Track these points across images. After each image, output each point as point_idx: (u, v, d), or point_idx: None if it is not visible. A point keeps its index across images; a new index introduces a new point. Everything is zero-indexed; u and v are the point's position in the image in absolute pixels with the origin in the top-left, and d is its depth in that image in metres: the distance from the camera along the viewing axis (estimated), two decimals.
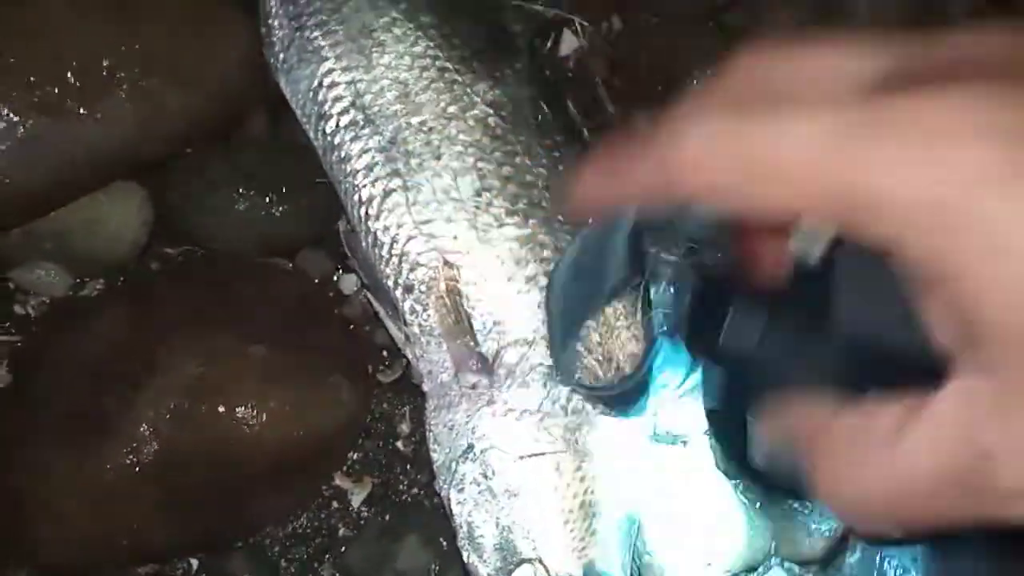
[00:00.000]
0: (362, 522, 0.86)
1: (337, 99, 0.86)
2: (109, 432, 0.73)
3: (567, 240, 0.80)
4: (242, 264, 0.86)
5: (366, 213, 0.83)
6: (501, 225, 0.81)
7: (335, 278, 0.92)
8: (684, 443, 0.80)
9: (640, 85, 1.02)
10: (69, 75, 0.78)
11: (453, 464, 0.76)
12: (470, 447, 0.76)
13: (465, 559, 0.75)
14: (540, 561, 0.73)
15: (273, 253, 0.91)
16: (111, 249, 0.88)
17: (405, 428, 0.89)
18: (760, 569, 0.90)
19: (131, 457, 0.72)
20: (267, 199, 0.88)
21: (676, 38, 1.03)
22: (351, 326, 0.89)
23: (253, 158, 0.89)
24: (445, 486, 0.77)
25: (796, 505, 0.89)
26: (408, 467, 0.88)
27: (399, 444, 0.89)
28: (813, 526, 0.88)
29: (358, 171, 0.84)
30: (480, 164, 0.83)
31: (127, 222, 0.88)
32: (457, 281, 0.79)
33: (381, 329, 0.87)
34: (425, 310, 0.80)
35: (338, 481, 0.87)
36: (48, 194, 0.82)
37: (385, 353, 0.89)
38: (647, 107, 0.97)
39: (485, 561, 0.74)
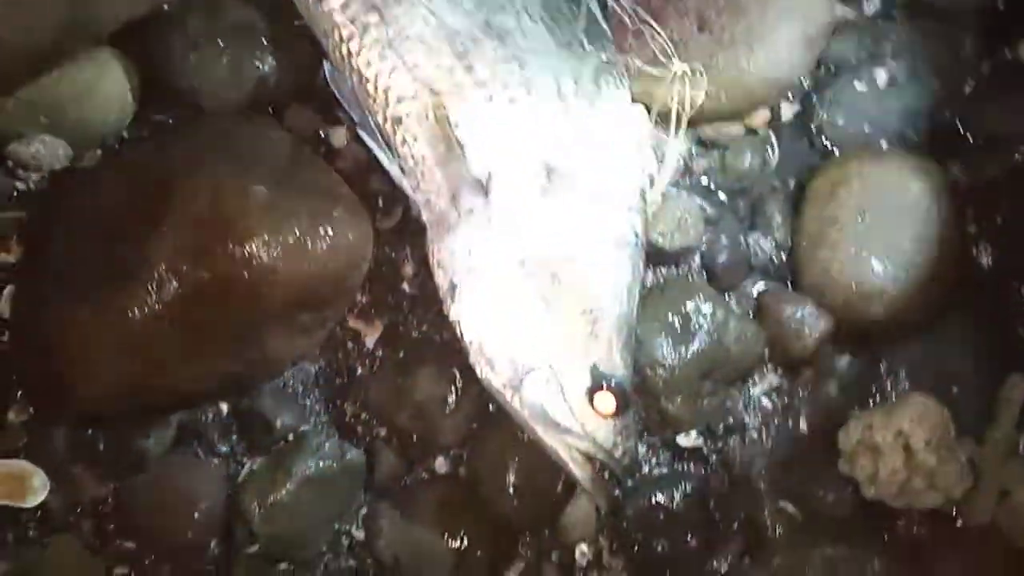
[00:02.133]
0: (378, 361, 0.91)
1: None
2: (128, 277, 0.75)
3: (549, 56, 0.82)
4: (234, 121, 0.87)
5: (347, 51, 0.84)
6: (481, 47, 0.81)
7: (324, 134, 0.93)
8: None
9: None
10: None
11: (458, 285, 0.79)
12: (472, 267, 0.79)
13: (479, 374, 0.79)
14: (549, 367, 0.77)
15: (261, 110, 0.92)
16: (103, 118, 0.89)
17: (409, 270, 0.92)
18: (755, 377, 0.96)
19: (151, 298, 0.75)
20: (250, 53, 0.89)
21: None
22: (345, 178, 0.91)
23: (232, 13, 0.89)
24: (453, 308, 0.79)
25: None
26: (416, 306, 0.91)
27: (405, 285, 0.92)
28: (805, 327, 0.93)
29: (334, 9, 0.84)
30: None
31: (115, 89, 0.89)
32: (444, 108, 0.80)
33: (375, 177, 0.89)
34: (416, 140, 0.81)
35: (351, 323, 0.91)
36: (35, 55, 0.81)
37: (381, 201, 0.92)
38: None
39: (497, 373, 0.77)
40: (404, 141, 0.81)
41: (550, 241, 0.79)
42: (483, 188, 0.79)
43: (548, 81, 0.82)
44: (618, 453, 0.76)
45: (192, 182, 0.77)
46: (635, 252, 0.82)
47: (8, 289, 0.86)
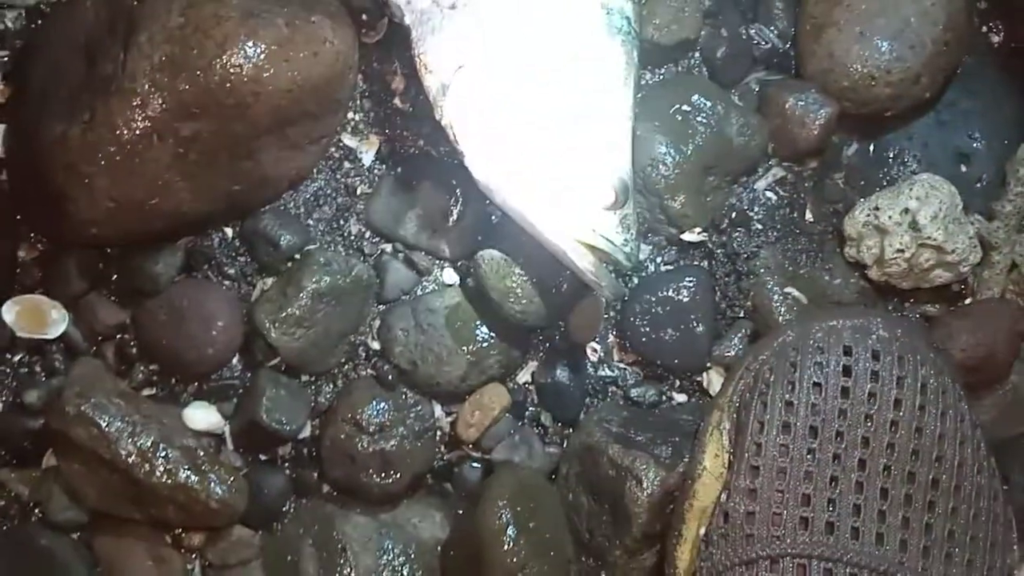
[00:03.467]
0: (376, 178, 0.91)
1: None
2: (111, 92, 0.74)
3: None
4: None
5: None
6: None
7: None
8: None
9: None
10: None
11: (448, 85, 0.77)
12: (461, 64, 0.77)
13: (476, 176, 0.78)
14: (548, 162, 0.76)
15: None
16: None
17: (400, 84, 0.90)
18: (759, 171, 0.95)
19: (138, 112, 0.74)
20: None
21: None
22: None
23: None
24: (445, 111, 0.78)
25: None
26: (410, 121, 0.90)
27: (397, 101, 0.90)
28: (810, 115, 0.91)
29: None
30: None
31: None
32: None
33: None
34: None
35: (345, 140, 0.90)
36: None
37: (364, 16, 0.89)
38: None
39: (493, 172, 0.76)
40: None
41: (538, 32, 0.77)
42: None
43: None
44: (619, 242, 0.77)
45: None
46: (628, 40, 0.79)
47: (1, 128, 0.86)
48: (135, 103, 0.74)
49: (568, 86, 0.77)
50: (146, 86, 0.74)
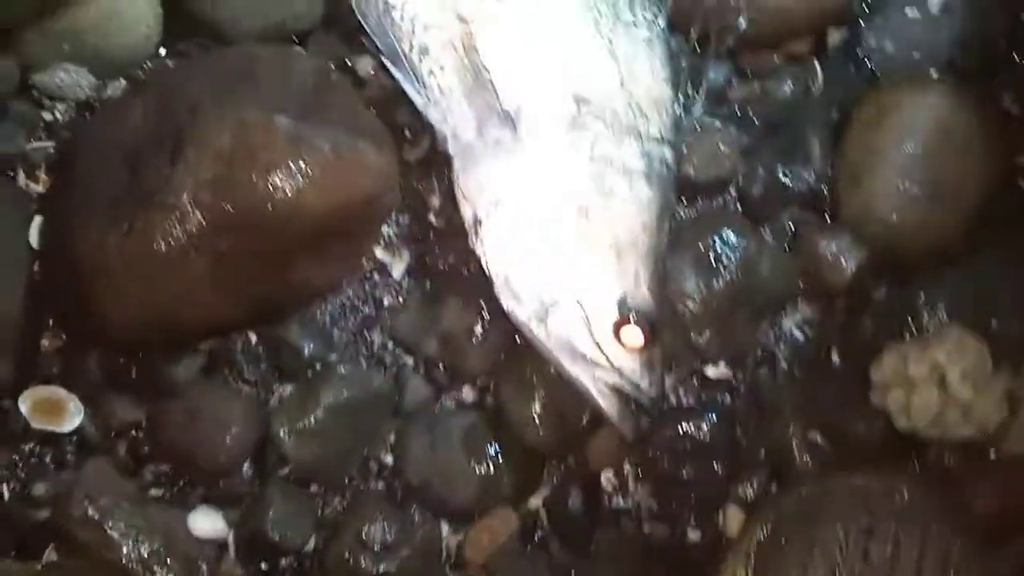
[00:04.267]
0: (405, 291, 0.91)
1: None
2: (153, 205, 0.75)
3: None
4: (258, 50, 0.85)
5: None
6: None
7: (350, 63, 0.92)
8: None
9: None
10: None
11: (484, 218, 0.78)
12: (499, 200, 0.78)
13: (505, 307, 0.79)
14: (576, 300, 0.76)
15: (285, 39, 0.90)
16: (126, 46, 0.88)
17: (436, 202, 0.91)
18: (787, 309, 0.94)
19: (176, 226, 0.75)
20: None
21: None
22: (371, 108, 0.89)
23: None
24: (479, 240, 0.79)
25: None
26: (443, 238, 0.90)
27: (431, 217, 0.91)
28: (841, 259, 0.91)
29: None
30: None
31: (138, 16, 0.88)
32: (472, 38, 0.78)
33: (402, 108, 0.87)
34: (443, 71, 0.80)
35: (378, 254, 0.90)
36: None
37: (408, 132, 0.90)
38: None
39: (524, 305, 0.77)
40: (431, 71, 0.80)
41: (578, 173, 0.78)
42: (511, 120, 0.78)
43: (582, 9, 0.80)
44: (644, 385, 0.76)
45: (216, 112, 0.76)
46: (666, 184, 0.80)
47: (37, 219, 0.86)
48: (176, 218, 0.75)
49: (602, 226, 0.78)
50: (189, 202, 0.75)
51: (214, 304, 0.79)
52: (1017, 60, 0.94)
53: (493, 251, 0.78)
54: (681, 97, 0.85)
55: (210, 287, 0.78)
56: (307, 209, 0.77)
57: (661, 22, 0.84)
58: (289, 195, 0.75)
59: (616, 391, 0.76)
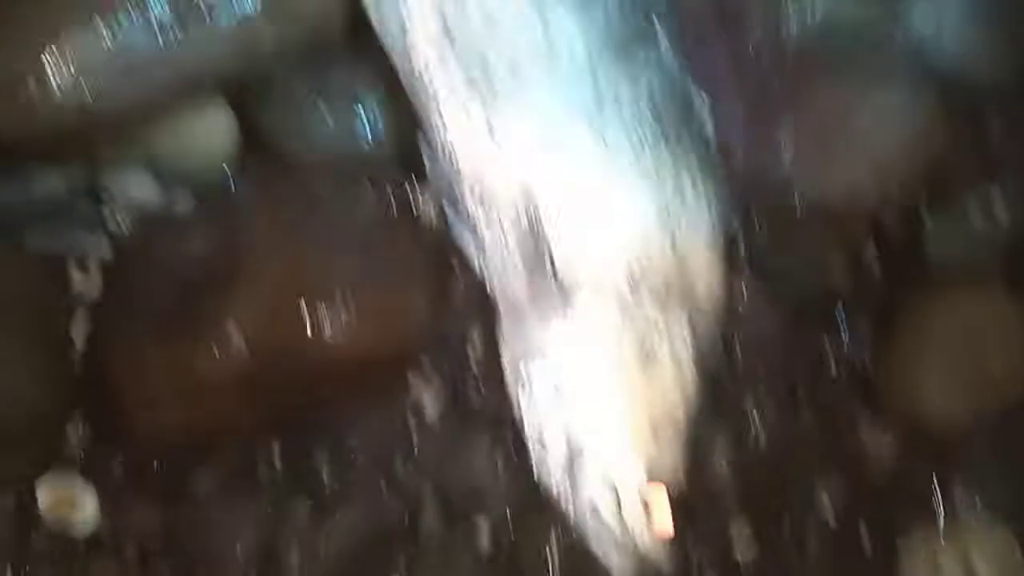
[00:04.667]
0: (433, 422, 0.90)
1: (424, 20, 0.85)
2: (199, 332, 0.77)
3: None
4: (326, 183, 0.88)
5: (448, 138, 0.84)
6: (585, 162, 0.81)
7: (412, 198, 0.93)
8: None
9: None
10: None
11: (526, 378, 0.79)
12: (543, 367, 0.79)
13: (533, 457, 0.79)
14: (606, 467, 0.76)
15: (354, 173, 0.90)
16: (200, 163, 0.91)
17: (476, 337, 0.91)
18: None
19: (219, 354, 0.77)
20: (351, 118, 0.90)
21: None
22: (428, 234, 0.90)
23: (337, 77, 0.90)
24: (517, 392, 0.80)
25: None
26: (479, 375, 0.90)
27: (470, 352, 0.91)
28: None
29: (441, 96, 0.84)
30: (564, 101, 0.83)
31: (216, 138, 0.90)
32: (538, 210, 0.80)
33: (456, 249, 0.88)
34: (505, 236, 0.81)
35: (412, 385, 0.90)
36: (145, 112, 0.85)
37: (457, 262, 0.91)
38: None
39: (552, 457, 0.77)
40: (493, 235, 0.82)
41: (623, 336, 0.78)
42: (565, 296, 0.79)
43: (643, 180, 0.82)
44: (662, 561, 0.75)
45: (275, 244, 0.79)
46: (708, 354, 0.80)
47: (81, 313, 0.88)
48: (219, 349, 0.77)
49: (641, 391, 0.77)
50: (234, 336, 0.77)
51: (245, 424, 0.81)
52: None
53: (529, 399, 0.79)
54: (728, 270, 0.86)
55: (244, 411, 0.79)
56: (351, 353, 0.79)
57: (718, 199, 0.85)
58: (335, 339, 0.78)
59: (636, 564, 0.75)
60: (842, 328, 0.94)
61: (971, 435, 0.90)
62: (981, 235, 0.95)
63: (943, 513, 0.91)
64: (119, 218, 0.92)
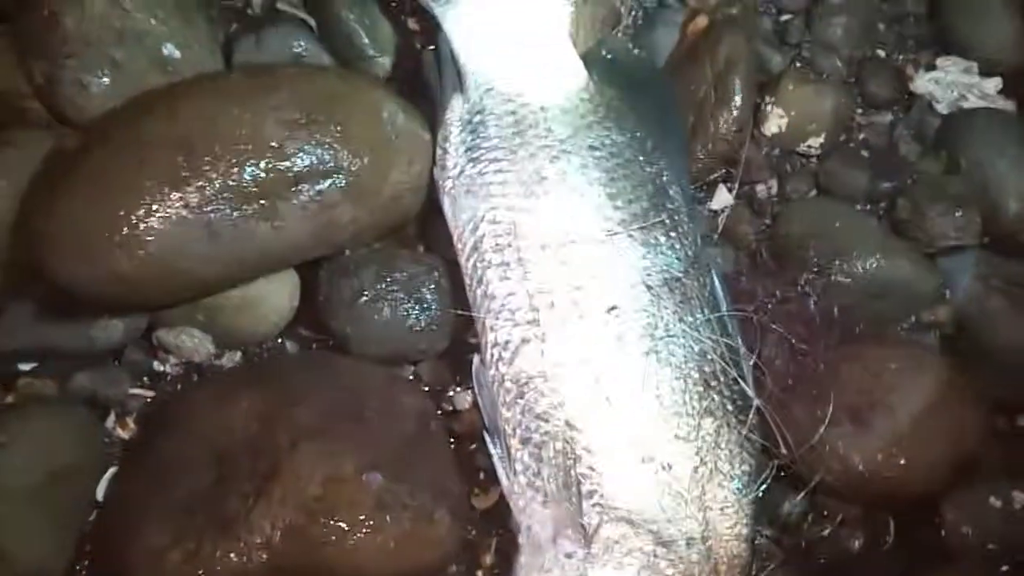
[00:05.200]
0: None
1: (495, 236, 0.87)
2: (225, 535, 0.76)
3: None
4: (370, 375, 0.89)
5: (500, 355, 0.85)
6: (630, 401, 0.82)
7: (451, 393, 0.94)
8: None
9: (786, 258, 1.01)
10: (255, 180, 0.82)
11: None
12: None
13: None
14: None
15: (399, 359, 0.94)
16: (255, 326, 0.93)
17: (488, 560, 0.90)
18: None
19: (243, 561, 0.75)
20: (408, 313, 0.91)
21: (830, 217, 1.02)
22: (456, 442, 0.91)
23: (402, 270, 0.92)
24: None
25: None
26: None
27: (479, 574, 0.90)
28: None
29: (500, 311, 0.85)
30: (622, 332, 0.84)
31: (278, 306, 0.92)
32: (574, 446, 0.80)
33: (483, 451, 0.88)
34: (538, 465, 0.81)
35: None
36: (218, 284, 0.87)
37: (482, 476, 0.91)
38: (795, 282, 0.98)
39: None
40: (525, 463, 0.82)
41: None
42: (586, 537, 0.79)
43: (684, 453, 0.81)
44: None
45: (314, 452, 0.78)
46: None
47: (111, 471, 0.88)
48: (244, 553, 0.76)
49: None
50: (260, 541, 0.76)
51: None
52: None
53: None
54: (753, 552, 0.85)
55: None
56: (370, 570, 0.77)
57: (757, 480, 0.85)
58: (359, 559, 0.76)
59: None
60: None
61: None
62: (1003, 530, 0.93)
63: None
64: (167, 367, 0.93)
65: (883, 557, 0.94)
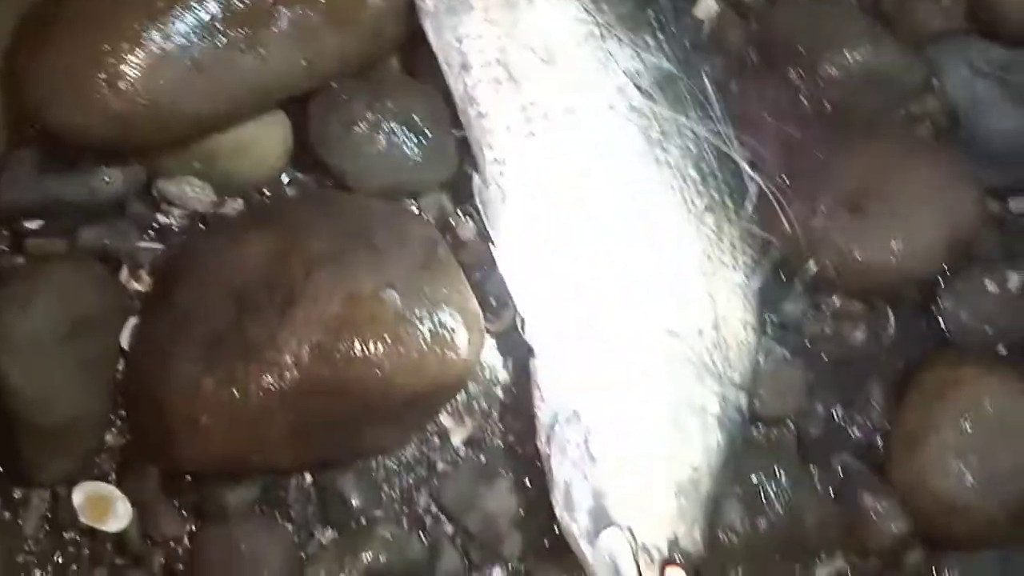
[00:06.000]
0: (459, 460, 0.92)
1: (481, 52, 0.87)
2: (254, 359, 0.78)
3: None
4: (379, 208, 0.89)
5: (500, 172, 0.86)
6: (631, 201, 0.84)
7: (455, 223, 0.95)
8: None
9: (776, 59, 1.01)
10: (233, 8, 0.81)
11: (557, 426, 0.80)
12: (576, 413, 0.80)
13: (557, 513, 0.80)
14: (629, 530, 0.78)
15: (400, 193, 0.95)
16: (253, 171, 0.93)
17: (508, 378, 0.94)
18: (823, 557, 0.94)
19: (273, 385, 0.78)
20: (402, 141, 0.91)
21: (818, 15, 1.02)
22: (465, 272, 0.91)
23: (394, 100, 0.91)
24: (546, 443, 0.81)
25: None
26: (507, 415, 0.93)
27: (500, 392, 0.93)
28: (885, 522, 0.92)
29: (495, 128, 0.86)
30: (616, 134, 0.85)
31: (271, 148, 0.92)
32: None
33: (494, 278, 0.90)
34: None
35: (443, 420, 0.93)
36: (210, 120, 0.86)
37: (495, 302, 0.93)
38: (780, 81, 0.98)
39: (576, 520, 0.79)
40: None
41: (659, 408, 0.80)
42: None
43: (690, 249, 0.84)
44: None
45: (331, 275, 0.80)
46: (736, 430, 0.83)
47: (132, 320, 0.89)
48: (274, 375, 0.78)
49: (670, 464, 0.80)
50: (289, 361, 0.78)
51: (285, 452, 0.82)
52: None
53: (558, 460, 0.80)
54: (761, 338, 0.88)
55: (287, 437, 0.80)
56: (398, 386, 0.80)
57: (760, 270, 0.87)
58: (384, 373, 0.79)
59: None
60: (860, 395, 0.96)
61: (975, 530, 0.91)
62: (999, 313, 0.97)
63: None
64: (171, 218, 0.93)
65: (885, 351, 0.98)
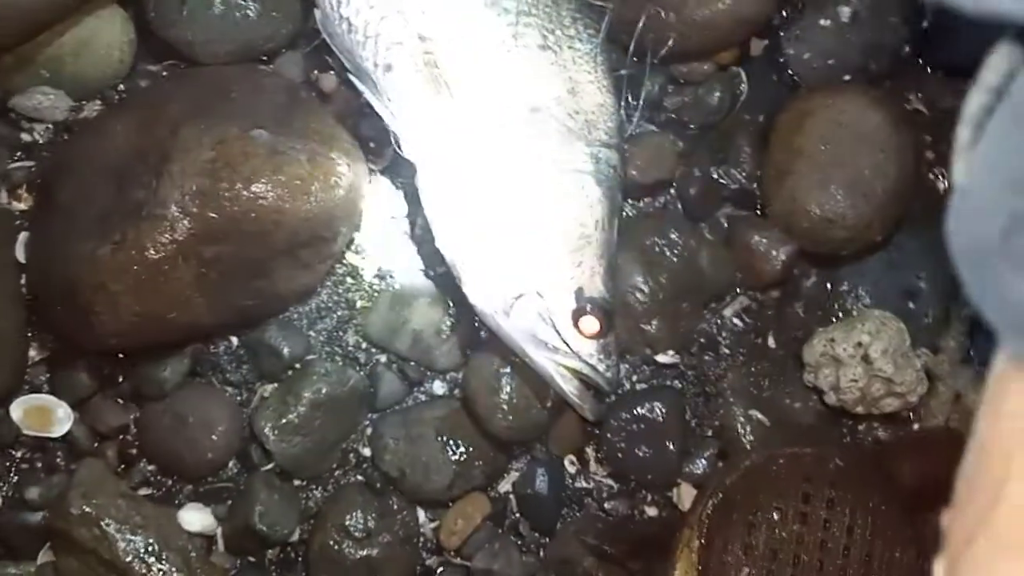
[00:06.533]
0: (375, 293, 0.97)
1: None
2: (142, 216, 0.80)
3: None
4: (230, 70, 0.91)
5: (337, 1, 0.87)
6: None
7: (315, 78, 0.97)
8: None
9: None
10: None
11: (449, 221, 0.84)
12: (463, 203, 0.83)
13: (472, 302, 0.84)
14: (537, 293, 0.83)
15: (254, 59, 0.96)
16: (102, 69, 0.93)
17: (401, 209, 0.97)
18: (727, 299, 1.02)
19: (167, 235, 0.80)
20: (241, 3, 0.92)
21: None
22: (339, 122, 0.94)
23: None
24: (445, 242, 0.85)
25: None
26: (408, 243, 0.97)
27: (397, 223, 0.97)
28: (773, 251, 1.00)
29: None
30: None
31: (112, 41, 0.93)
32: (433, 55, 0.84)
33: (366, 120, 0.93)
34: (405, 84, 0.85)
35: (349, 258, 0.96)
36: (39, 13, 0.85)
37: (372, 144, 0.96)
38: None
39: (489, 299, 0.83)
40: (395, 87, 0.85)
41: (535, 176, 0.84)
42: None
43: (532, 26, 0.87)
44: (602, 369, 0.83)
45: (197, 128, 0.81)
46: (613, 184, 0.88)
47: (23, 235, 0.91)
48: (164, 228, 0.80)
49: (558, 224, 0.84)
50: (176, 212, 0.80)
51: (202, 309, 0.84)
52: (922, 64, 1.05)
53: (458, 252, 0.84)
54: (623, 104, 0.93)
55: (197, 292, 0.82)
56: (286, 216, 0.82)
57: (600, 36, 0.91)
58: (270, 203, 0.81)
59: (576, 376, 0.83)
60: (728, 151, 1.02)
61: (854, 236, 0.98)
62: (836, 45, 1.03)
63: (838, 311, 1.02)
64: (35, 134, 0.94)
65: (743, 107, 1.04)
